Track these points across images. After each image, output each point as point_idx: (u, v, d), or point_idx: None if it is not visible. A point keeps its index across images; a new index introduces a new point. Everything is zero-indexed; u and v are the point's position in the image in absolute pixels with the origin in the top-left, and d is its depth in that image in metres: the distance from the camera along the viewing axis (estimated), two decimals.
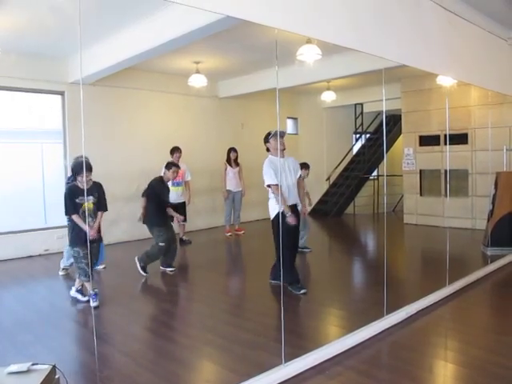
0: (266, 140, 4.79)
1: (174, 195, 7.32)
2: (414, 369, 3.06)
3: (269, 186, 4.64)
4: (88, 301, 4.55)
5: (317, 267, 6.32)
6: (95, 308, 4.36)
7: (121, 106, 7.91)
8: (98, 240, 4.66)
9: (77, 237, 4.42)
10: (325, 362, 3.14)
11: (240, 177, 8.23)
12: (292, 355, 3.07)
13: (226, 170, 8.19)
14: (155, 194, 5.62)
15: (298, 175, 4.90)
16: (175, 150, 7.37)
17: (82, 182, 4.35)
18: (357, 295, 5.08)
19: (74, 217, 4.37)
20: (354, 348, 3.36)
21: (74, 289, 4.73)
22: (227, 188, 8.21)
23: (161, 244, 5.55)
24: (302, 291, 4.74)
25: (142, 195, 5.74)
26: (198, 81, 7.46)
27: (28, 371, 2.19)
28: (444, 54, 4.66)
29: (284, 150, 4.74)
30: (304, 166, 6.20)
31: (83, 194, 4.35)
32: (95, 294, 4.45)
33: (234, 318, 4.29)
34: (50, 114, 7.48)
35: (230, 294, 5.25)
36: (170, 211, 5.78)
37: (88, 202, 4.41)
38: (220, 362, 3.31)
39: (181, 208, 7.45)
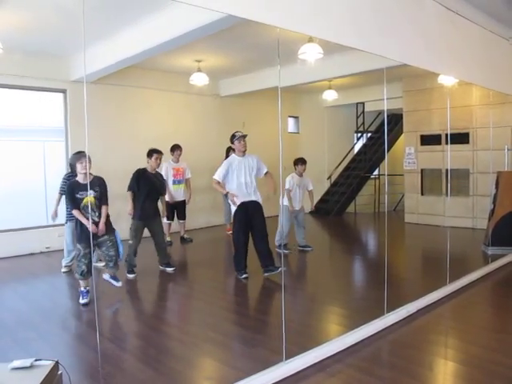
0: (231, 142, 5.30)
1: (175, 193, 7.34)
2: (415, 366, 3.08)
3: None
4: (121, 287, 4.79)
5: (318, 265, 6.34)
6: (84, 305, 4.40)
7: (122, 104, 7.92)
8: (109, 233, 4.54)
9: (80, 234, 4.38)
10: (325, 359, 3.16)
11: None
12: (293, 353, 3.08)
13: None
14: (136, 185, 5.41)
15: (260, 172, 5.28)
16: (175, 148, 7.37)
17: (81, 172, 4.30)
18: (357, 293, 5.09)
19: (75, 212, 4.32)
20: (354, 346, 3.37)
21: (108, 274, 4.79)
22: None
23: (129, 241, 5.41)
24: (273, 272, 5.15)
25: (128, 189, 5.46)
26: (199, 79, 7.46)
27: (31, 367, 2.21)
28: (445, 53, 4.66)
29: (245, 151, 5.23)
30: (300, 161, 6.56)
31: (83, 189, 4.29)
32: (87, 292, 4.49)
33: (234, 315, 4.31)
34: (51, 112, 7.49)
35: (230, 291, 5.26)
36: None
37: (89, 196, 4.29)
38: (221, 359, 3.32)
39: (180, 206, 7.47)
